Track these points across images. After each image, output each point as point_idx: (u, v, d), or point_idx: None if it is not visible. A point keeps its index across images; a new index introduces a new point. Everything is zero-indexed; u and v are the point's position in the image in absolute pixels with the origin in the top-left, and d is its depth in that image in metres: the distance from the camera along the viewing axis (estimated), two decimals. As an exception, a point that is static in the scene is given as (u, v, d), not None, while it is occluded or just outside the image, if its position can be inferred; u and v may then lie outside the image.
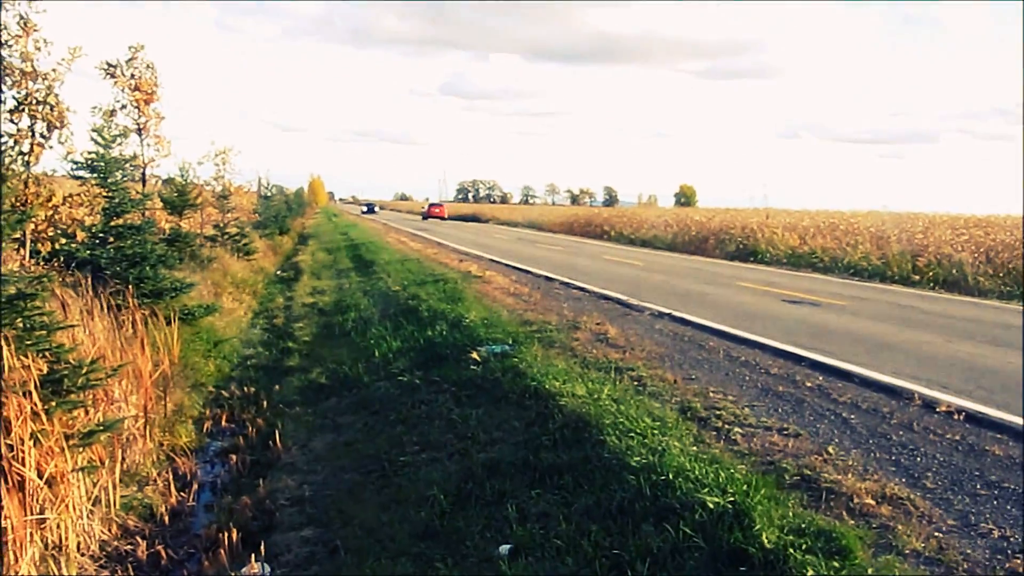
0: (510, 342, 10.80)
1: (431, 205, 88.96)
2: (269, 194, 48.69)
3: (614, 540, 5.25)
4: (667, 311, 14.28)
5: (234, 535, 6.63)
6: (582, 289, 17.86)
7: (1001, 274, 20.42)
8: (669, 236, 38.37)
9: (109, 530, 6.68)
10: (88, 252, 11.62)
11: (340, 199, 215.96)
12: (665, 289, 18.34)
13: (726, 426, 7.32)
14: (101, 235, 12.13)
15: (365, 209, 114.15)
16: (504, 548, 5.55)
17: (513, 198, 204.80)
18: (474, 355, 10.11)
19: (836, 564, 4.54)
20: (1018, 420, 7.57)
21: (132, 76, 16.15)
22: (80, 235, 12.19)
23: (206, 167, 34.05)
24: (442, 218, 76.96)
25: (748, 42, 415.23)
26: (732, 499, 5.30)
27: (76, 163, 11.76)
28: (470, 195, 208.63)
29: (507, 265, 24.40)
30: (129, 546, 6.61)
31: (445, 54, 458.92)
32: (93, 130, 11.99)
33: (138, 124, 16.41)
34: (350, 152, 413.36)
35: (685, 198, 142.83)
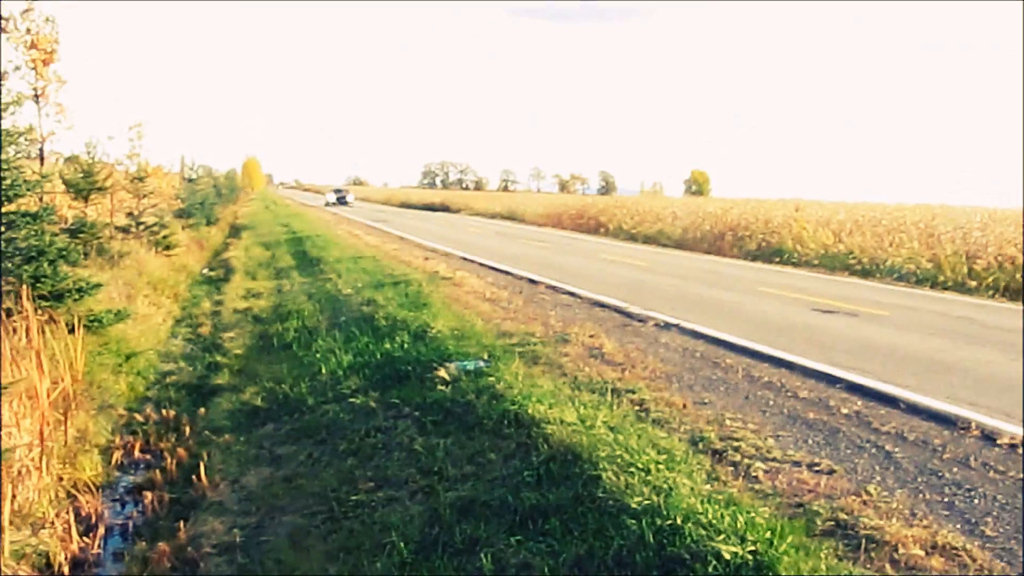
0: (485, 357, 10.79)
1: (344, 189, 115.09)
2: (194, 176, 48.54)
3: (611, 598, 5.25)
4: (675, 321, 14.32)
5: (149, 590, 6.58)
6: (572, 294, 17.89)
7: (1074, 280, 20.60)
8: (678, 231, 38.51)
9: (-5, 583, 6.61)
10: (-28, 244, 11.51)
11: (281, 183, 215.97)
12: (672, 295, 18.40)
13: (746, 460, 7.34)
14: (-11, 224, 12.02)
15: (334, 198, 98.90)
16: (478, 607, 5.53)
17: (490, 184, 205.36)
18: (442, 373, 10.09)
19: (878, 627, 4.56)
20: (1094, 455, 7.63)
21: (28, 31, 15.95)
22: (-37, 224, 12.09)
23: (118, 143, 33.85)
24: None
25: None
26: (753, 549, 5.31)
27: (-42, 137, 11.66)
28: (438, 179, 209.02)
29: (482, 264, 24.43)
30: (20, 603, 6.54)
31: (409, 6, 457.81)
32: (-20, 96, 11.89)
33: (35, 89, 16.22)
34: (293, 130, 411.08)
35: (697, 186, 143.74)
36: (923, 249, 25.62)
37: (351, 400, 10.21)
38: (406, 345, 11.88)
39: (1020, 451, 7.74)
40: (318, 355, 12.51)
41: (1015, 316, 17.33)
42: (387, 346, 11.99)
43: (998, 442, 7.99)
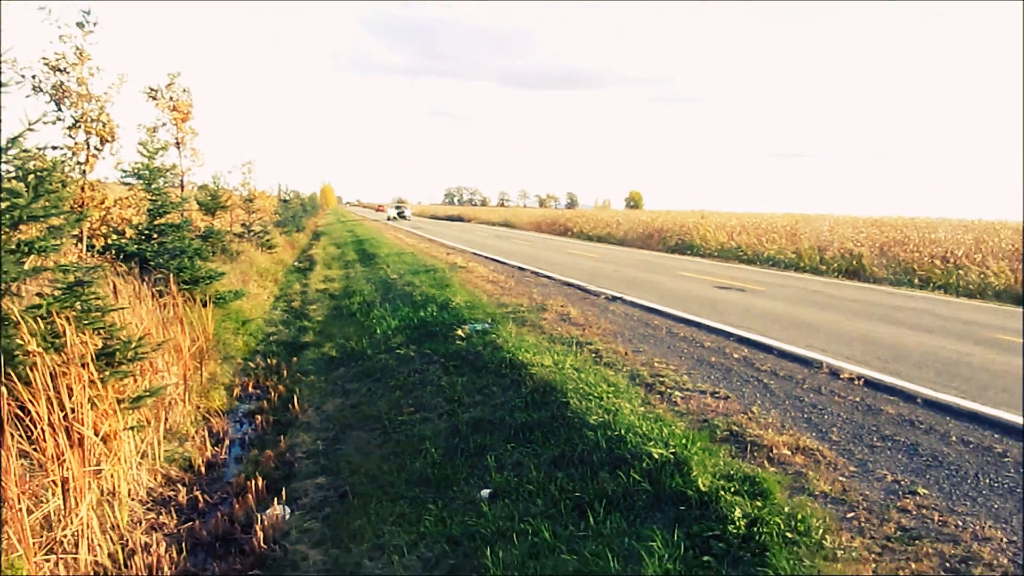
0: (489, 321, 10.78)
1: (379, 204, 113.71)
2: (287, 198, 48.39)
3: (576, 485, 5.26)
4: (619, 295, 14.30)
5: (259, 482, 6.59)
6: (548, 277, 17.85)
7: (892, 265, 20.67)
8: (621, 233, 38.49)
9: (155, 479, 6.62)
10: (135, 246, 11.48)
11: (347, 202, 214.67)
12: (617, 277, 18.36)
13: (668, 390, 7.34)
14: (146, 232, 11.98)
15: (395, 213, 77.07)
16: (485, 492, 5.54)
17: (491, 201, 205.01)
18: (459, 332, 10.08)
19: (759, 504, 4.57)
20: (907, 385, 7.66)
21: (171, 99, 15.89)
22: (129, 232, 12.04)
23: (234, 175, 33.80)
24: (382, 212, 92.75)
25: (682, 74, 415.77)
26: (673, 451, 5.32)
27: (125, 171, 11.64)
28: (455, 199, 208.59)
29: (486, 257, 24.33)
30: (171, 492, 6.55)
31: (433, 81, 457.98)
32: (139, 144, 11.89)
33: (176, 139, 16.16)
34: (355, 160, 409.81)
35: (634, 202, 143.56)
36: (788, 244, 25.65)
37: (397, 351, 10.20)
38: (434, 313, 11.85)
39: (856, 382, 7.77)
40: (374, 320, 12.48)
41: (850, 289, 17.34)
42: (421, 314, 11.96)
43: (841, 376, 8.01)
